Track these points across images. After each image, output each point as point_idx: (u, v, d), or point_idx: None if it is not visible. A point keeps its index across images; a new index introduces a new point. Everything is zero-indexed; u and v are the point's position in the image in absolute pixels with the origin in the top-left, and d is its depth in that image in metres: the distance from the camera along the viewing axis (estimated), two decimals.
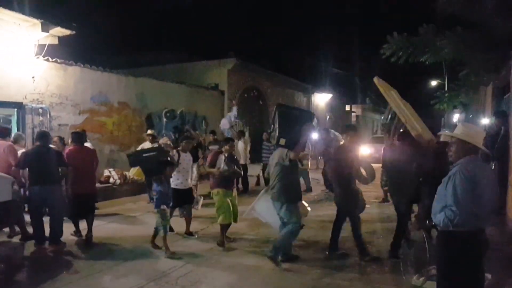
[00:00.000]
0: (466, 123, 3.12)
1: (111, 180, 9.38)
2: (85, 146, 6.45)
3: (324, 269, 4.76)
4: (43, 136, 5.67)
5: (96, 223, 6.99)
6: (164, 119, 8.88)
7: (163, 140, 7.67)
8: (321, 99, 23.74)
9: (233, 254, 5.30)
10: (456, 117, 19.09)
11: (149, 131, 9.13)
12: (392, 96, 5.30)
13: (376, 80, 5.27)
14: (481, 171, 2.84)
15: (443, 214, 2.77)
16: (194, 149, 7.86)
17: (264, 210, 5.27)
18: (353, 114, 29.98)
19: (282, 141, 4.83)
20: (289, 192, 4.85)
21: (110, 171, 9.54)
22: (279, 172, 4.85)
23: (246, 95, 16.73)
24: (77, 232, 6.01)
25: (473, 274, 2.85)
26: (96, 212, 7.89)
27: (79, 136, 6.17)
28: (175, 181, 6.00)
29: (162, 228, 5.28)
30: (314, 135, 11.09)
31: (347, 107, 28.50)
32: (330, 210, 6.47)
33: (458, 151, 2.94)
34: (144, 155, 6.49)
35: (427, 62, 7.94)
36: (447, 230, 2.80)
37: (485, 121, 10.61)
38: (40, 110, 8.57)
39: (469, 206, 2.72)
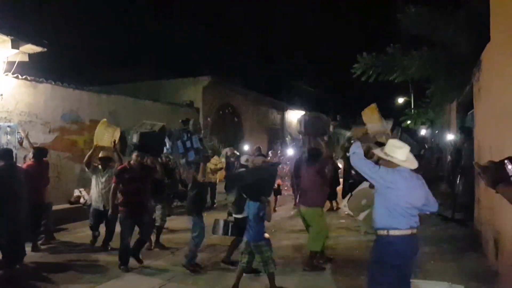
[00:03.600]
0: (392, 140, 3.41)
1: (81, 200, 9.09)
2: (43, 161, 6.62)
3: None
4: (7, 154, 5.51)
5: (64, 246, 6.78)
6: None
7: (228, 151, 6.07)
8: (294, 116, 24.10)
9: (215, 273, 5.20)
10: (423, 132, 19.85)
11: (101, 154, 6.66)
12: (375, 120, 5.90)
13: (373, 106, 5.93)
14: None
15: None
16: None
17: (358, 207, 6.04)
18: None
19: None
20: None
21: (80, 191, 9.25)
22: None
23: (221, 112, 16.79)
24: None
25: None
26: (65, 233, 7.69)
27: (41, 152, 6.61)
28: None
29: (272, 264, 4.22)
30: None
31: None
32: None
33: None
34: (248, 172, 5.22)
35: (395, 81, 8.24)
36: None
37: (451, 136, 11.08)
38: (8, 129, 8.26)
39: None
